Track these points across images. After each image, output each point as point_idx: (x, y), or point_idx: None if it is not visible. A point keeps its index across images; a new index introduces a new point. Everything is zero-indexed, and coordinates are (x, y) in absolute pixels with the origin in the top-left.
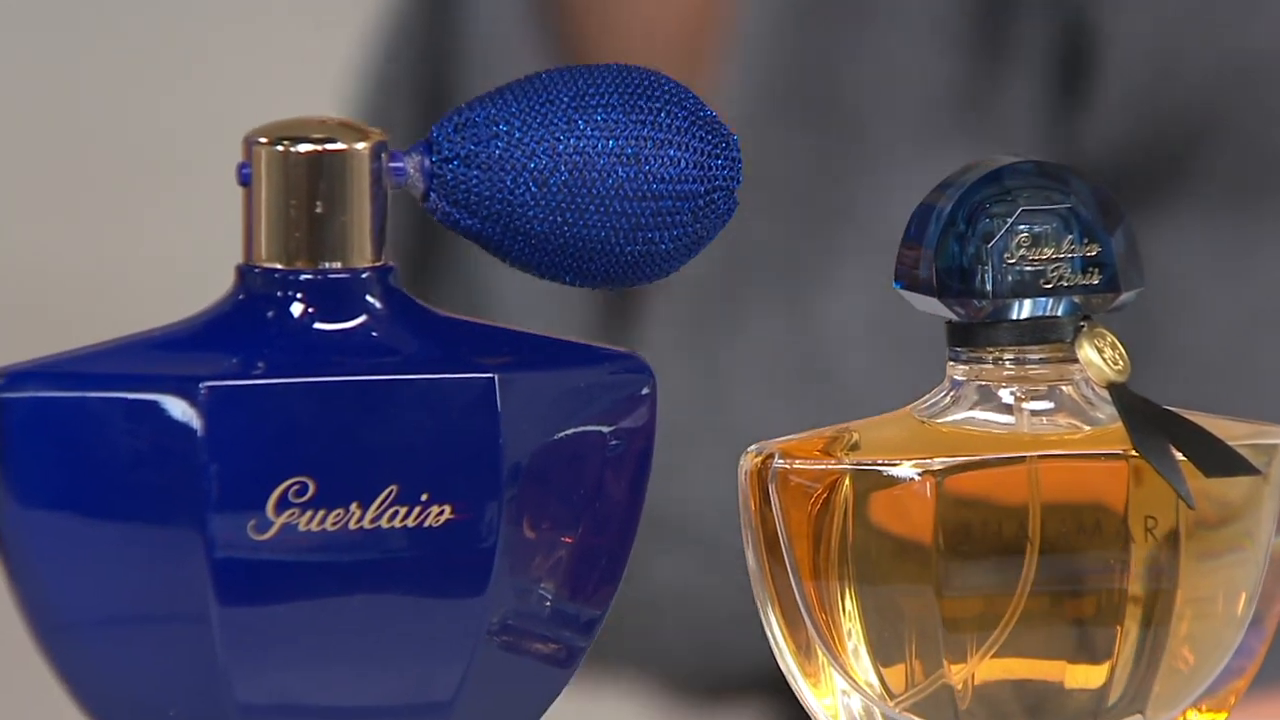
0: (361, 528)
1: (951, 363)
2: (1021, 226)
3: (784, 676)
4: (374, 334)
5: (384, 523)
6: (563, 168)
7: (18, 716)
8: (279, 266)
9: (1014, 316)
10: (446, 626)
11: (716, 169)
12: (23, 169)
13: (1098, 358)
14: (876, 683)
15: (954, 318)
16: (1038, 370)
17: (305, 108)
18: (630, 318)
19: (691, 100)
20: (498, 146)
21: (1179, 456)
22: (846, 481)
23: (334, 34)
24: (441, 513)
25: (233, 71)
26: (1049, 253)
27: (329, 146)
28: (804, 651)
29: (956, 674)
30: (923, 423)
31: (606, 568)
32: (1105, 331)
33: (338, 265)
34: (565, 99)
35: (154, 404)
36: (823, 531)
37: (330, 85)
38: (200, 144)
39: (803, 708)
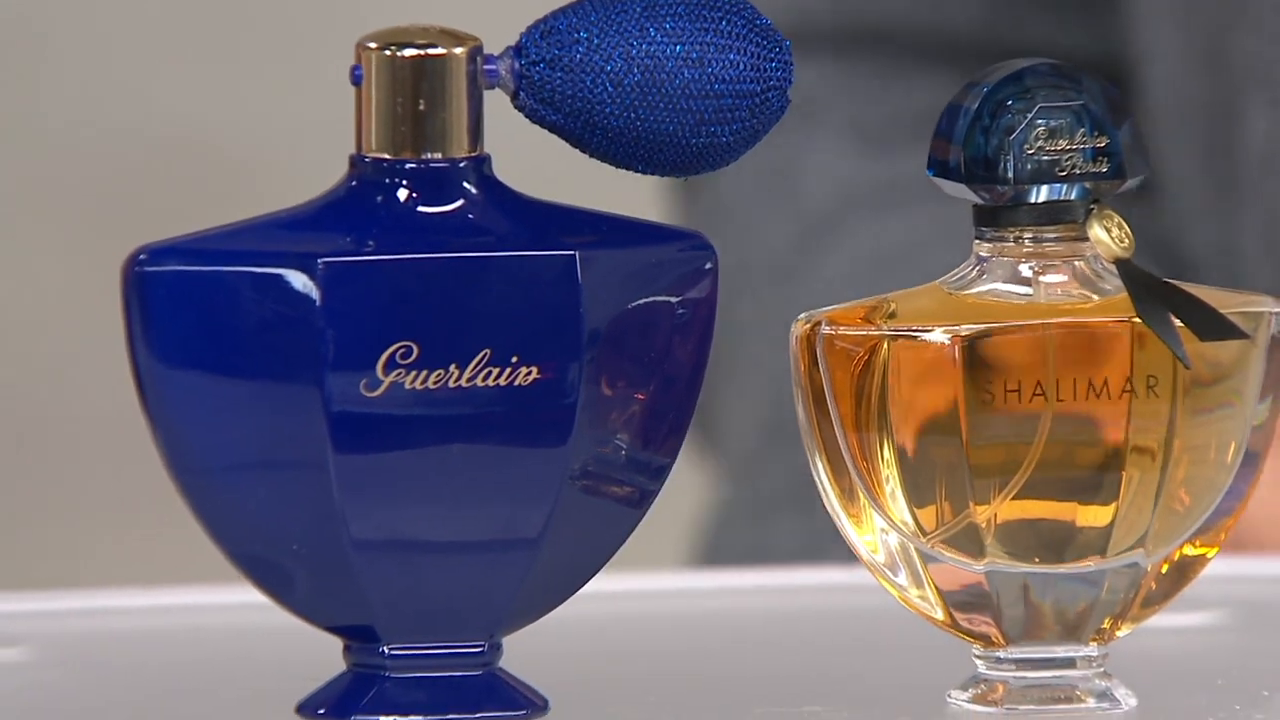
0: (460, 386)
1: (977, 241)
2: (1039, 121)
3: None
4: (470, 216)
5: (479, 382)
6: (635, 70)
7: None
8: (387, 156)
9: (1032, 200)
10: (533, 472)
11: (770, 71)
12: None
13: (1106, 236)
14: (911, 522)
15: (979, 201)
16: (1053, 247)
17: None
18: None
19: (749, 9)
20: (578, 51)
21: (1177, 323)
22: (885, 345)
23: None
24: (529, 373)
25: None
26: (1064, 144)
27: (430, 52)
28: (847, 495)
29: (981, 514)
30: (951, 294)
31: (674, 421)
32: (1113, 213)
33: (438, 156)
34: (638, 9)
35: (278, 277)
36: (864, 390)
37: None
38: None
39: None
